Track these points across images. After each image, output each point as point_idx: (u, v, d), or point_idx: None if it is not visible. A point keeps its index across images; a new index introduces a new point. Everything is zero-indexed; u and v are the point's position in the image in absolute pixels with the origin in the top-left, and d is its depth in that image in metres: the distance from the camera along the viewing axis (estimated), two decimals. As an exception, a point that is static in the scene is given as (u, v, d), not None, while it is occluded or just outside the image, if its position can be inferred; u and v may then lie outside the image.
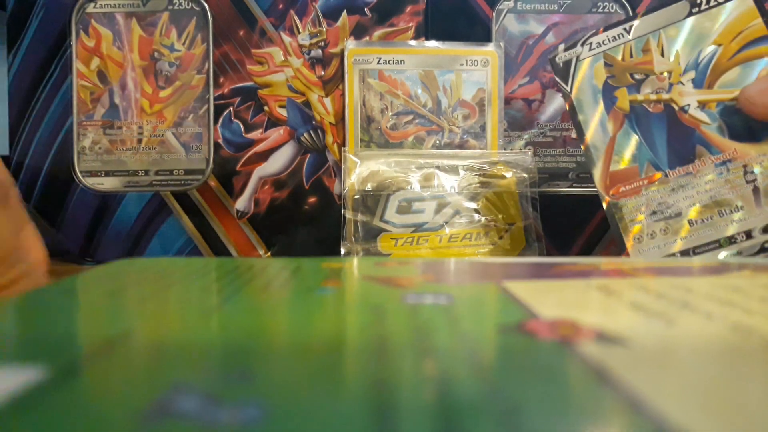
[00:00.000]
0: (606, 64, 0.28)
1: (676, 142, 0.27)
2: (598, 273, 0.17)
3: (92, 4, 0.34)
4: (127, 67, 0.34)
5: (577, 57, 0.28)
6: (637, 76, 0.28)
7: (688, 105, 0.27)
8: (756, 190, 0.26)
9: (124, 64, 0.34)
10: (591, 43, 0.28)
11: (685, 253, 0.26)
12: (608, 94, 0.28)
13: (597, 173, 0.27)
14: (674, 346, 0.10)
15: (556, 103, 0.38)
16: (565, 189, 0.38)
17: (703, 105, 0.27)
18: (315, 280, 0.16)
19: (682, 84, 0.27)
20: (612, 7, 0.37)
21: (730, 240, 0.25)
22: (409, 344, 0.10)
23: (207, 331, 0.11)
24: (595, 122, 0.28)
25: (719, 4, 0.27)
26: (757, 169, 0.26)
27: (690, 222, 0.26)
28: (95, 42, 0.34)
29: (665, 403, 0.08)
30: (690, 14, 0.28)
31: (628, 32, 0.28)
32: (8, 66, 0.38)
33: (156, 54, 0.33)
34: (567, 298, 0.14)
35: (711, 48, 0.27)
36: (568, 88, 0.29)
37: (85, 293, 0.15)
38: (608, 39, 0.28)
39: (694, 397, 0.08)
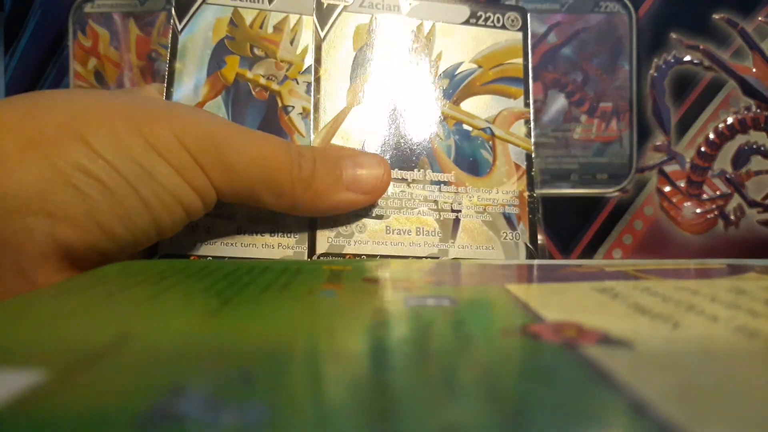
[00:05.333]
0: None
1: (407, 144, 0.26)
2: (602, 275, 0.17)
3: (89, 4, 0.34)
4: (125, 68, 0.34)
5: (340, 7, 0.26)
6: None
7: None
8: (457, 222, 0.25)
9: (121, 64, 0.34)
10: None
11: (371, 258, 0.25)
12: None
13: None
14: (679, 348, 0.10)
15: (558, 104, 0.38)
16: (567, 190, 0.38)
17: (444, 118, 0.26)
18: (316, 283, 0.16)
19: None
20: (614, 7, 0.37)
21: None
22: (411, 347, 0.10)
23: (208, 333, 0.11)
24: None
25: (494, 27, 0.27)
26: (464, 202, 0.25)
27: (387, 228, 0.25)
28: (92, 42, 0.34)
29: (670, 406, 0.07)
30: (467, 22, 0.27)
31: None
32: (5, 66, 0.38)
33: (153, 54, 0.33)
34: (571, 301, 0.14)
35: (472, 66, 0.27)
36: (322, 33, 0.26)
37: (83, 295, 0.15)
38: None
39: (699, 400, 0.08)
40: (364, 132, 0.26)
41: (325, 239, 0.24)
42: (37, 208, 0.18)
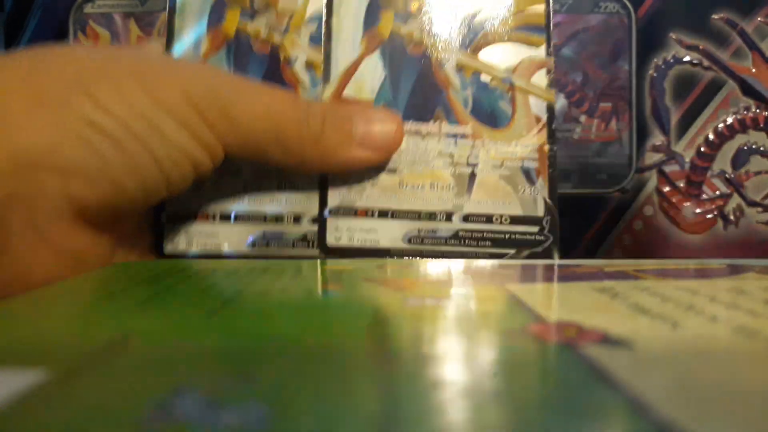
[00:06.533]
0: None
1: (421, 95, 0.25)
2: (601, 275, 0.17)
3: (90, 5, 0.34)
4: (126, 68, 0.34)
5: None
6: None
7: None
8: (473, 176, 0.24)
9: (122, 64, 0.34)
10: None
11: (383, 213, 0.24)
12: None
13: None
14: (679, 348, 0.10)
15: (557, 104, 0.38)
16: (567, 190, 0.38)
17: (461, 68, 0.25)
18: (316, 283, 0.16)
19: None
20: (614, 7, 0.37)
21: (430, 215, 0.24)
22: (412, 347, 0.10)
23: (208, 333, 0.11)
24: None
25: None
26: (481, 156, 0.24)
27: (400, 183, 0.24)
28: (93, 42, 0.34)
29: (670, 406, 0.07)
30: None
31: None
32: (6, 67, 0.38)
33: (154, 54, 0.33)
34: (571, 301, 0.14)
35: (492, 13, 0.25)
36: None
37: (83, 295, 0.15)
38: None
39: (698, 400, 0.08)
40: (376, 82, 0.25)
41: (336, 194, 0.24)
42: (49, 164, 0.18)
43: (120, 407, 0.08)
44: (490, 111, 0.25)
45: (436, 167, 0.24)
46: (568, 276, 0.17)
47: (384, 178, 0.24)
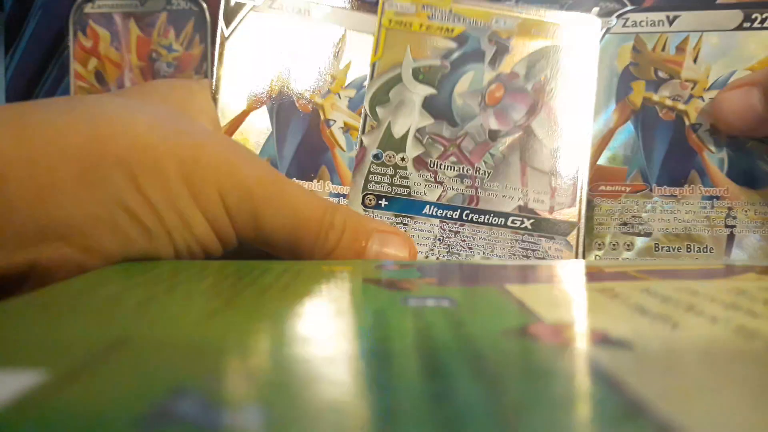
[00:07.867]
0: (635, 49, 0.26)
1: (674, 159, 0.25)
2: (602, 275, 0.17)
3: (90, 5, 0.34)
4: (125, 68, 0.34)
5: (608, 29, 0.26)
6: (661, 74, 0.25)
7: (700, 125, 0.25)
8: (731, 237, 0.24)
9: (121, 64, 0.34)
10: (627, 19, 0.26)
11: None
12: (625, 81, 0.26)
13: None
14: (679, 349, 0.10)
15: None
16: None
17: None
18: (316, 284, 0.16)
19: (703, 100, 0.25)
20: (613, 8, 0.37)
21: None
22: (411, 348, 0.10)
23: (208, 334, 0.11)
24: (599, 107, 0.25)
25: None
26: (739, 216, 0.24)
27: (656, 246, 0.24)
28: (93, 42, 0.34)
29: (669, 407, 0.07)
30: (740, 27, 0.25)
31: (671, 22, 0.25)
32: (5, 67, 0.38)
33: (154, 54, 0.33)
34: (571, 302, 0.14)
35: (745, 73, 0.25)
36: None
37: (84, 296, 0.15)
38: (647, 21, 0.25)
39: (698, 400, 0.08)
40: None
41: (592, 255, 0.24)
42: (77, 241, 0.18)
43: (120, 407, 0.07)
44: (749, 170, 0.25)
45: (691, 230, 0.24)
46: (568, 276, 0.17)
47: (636, 241, 0.25)
